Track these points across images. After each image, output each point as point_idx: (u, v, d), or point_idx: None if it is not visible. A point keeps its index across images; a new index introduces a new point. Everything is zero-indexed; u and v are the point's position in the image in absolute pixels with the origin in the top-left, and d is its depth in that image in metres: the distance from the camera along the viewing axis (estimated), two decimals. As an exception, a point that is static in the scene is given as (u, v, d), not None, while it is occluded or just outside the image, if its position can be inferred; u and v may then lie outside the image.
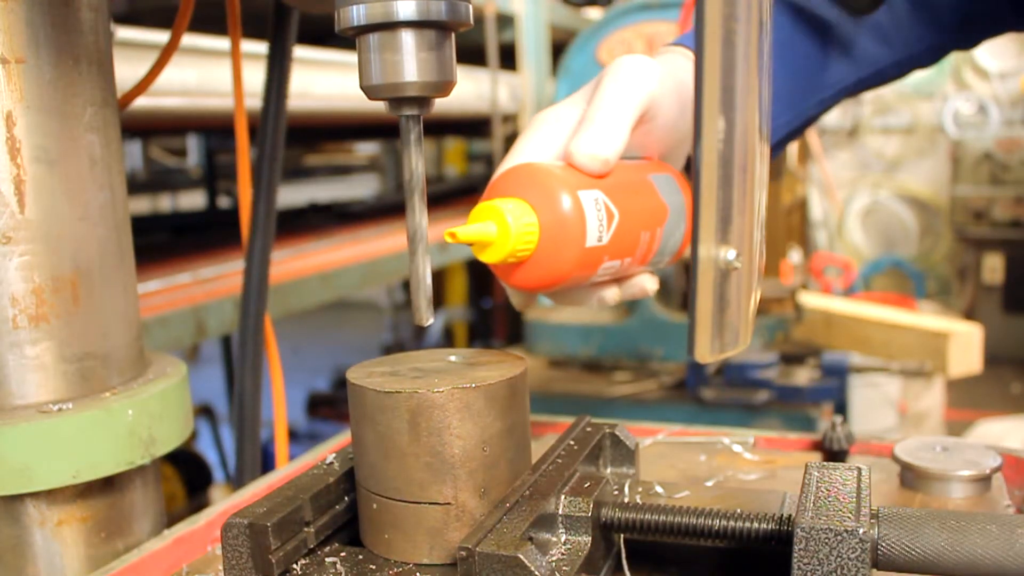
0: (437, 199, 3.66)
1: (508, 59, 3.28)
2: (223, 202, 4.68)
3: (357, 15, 0.60)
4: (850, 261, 4.96)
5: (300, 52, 1.67)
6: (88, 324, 0.78)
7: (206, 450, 3.64)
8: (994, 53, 6.14)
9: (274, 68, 1.10)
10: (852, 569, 0.52)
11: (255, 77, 1.13)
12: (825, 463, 0.61)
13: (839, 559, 0.52)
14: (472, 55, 3.08)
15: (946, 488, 0.75)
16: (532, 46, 3.32)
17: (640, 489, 0.73)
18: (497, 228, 0.65)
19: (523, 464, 0.65)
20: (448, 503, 0.60)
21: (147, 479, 0.84)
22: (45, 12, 0.74)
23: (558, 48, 3.24)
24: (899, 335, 2.77)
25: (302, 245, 2.41)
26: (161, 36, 1.65)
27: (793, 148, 4.15)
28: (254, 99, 1.08)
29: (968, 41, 0.97)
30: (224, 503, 0.83)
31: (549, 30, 3.45)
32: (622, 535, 0.64)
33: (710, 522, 0.60)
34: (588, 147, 0.69)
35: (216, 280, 1.91)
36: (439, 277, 5.16)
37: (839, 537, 0.52)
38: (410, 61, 0.61)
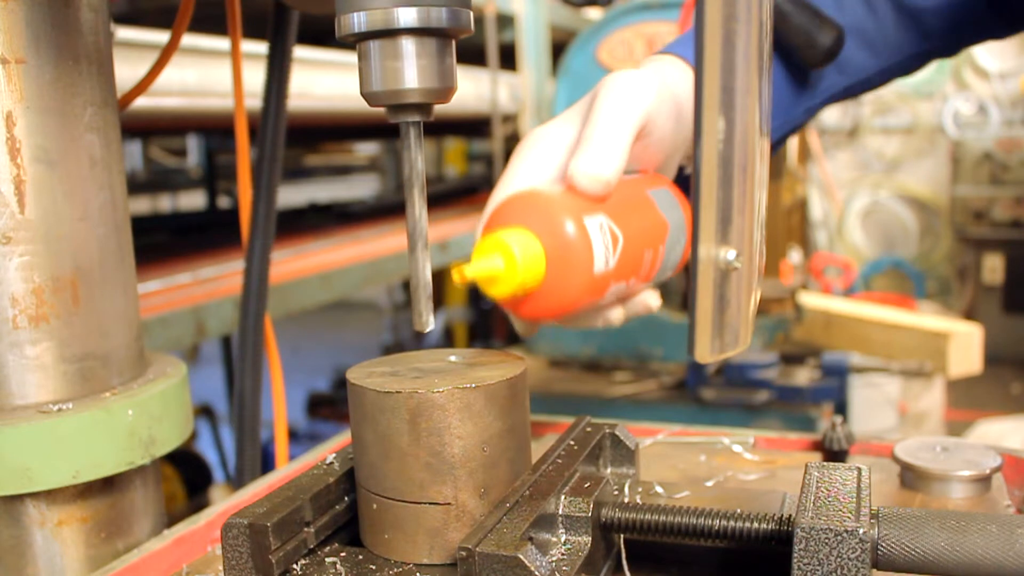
0: (437, 199, 3.66)
1: (508, 59, 3.28)
2: (223, 202, 4.68)
3: (358, 22, 0.60)
4: (850, 261, 4.96)
5: (300, 52, 1.67)
6: (88, 324, 0.78)
7: (206, 450, 3.65)
8: (994, 53, 6.14)
9: (274, 68, 1.10)
10: (852, 569, 0.52)
11: (255, 77, 1.13)
12: (825, 463, 0.61)
13: (839, 559, 0.52)
14: (472, 55, 3.08)
15: (946, 488, 0.75)
16: (532, 46, 3.31)
17: (640, 489, 0.73)
18: (504, 262, 0.64)
19: (523, 464, 0.65)
20: (448, 503, 0.60)
21: (147, 479, 0.84)
22: (45, 12, 0.74)
23: (558, 48, 3.24)
24: (899, 335, 2.77)
25: (302, 245, 2.41)
26: (161, 36, 1.65)
27: (793, 148, 4.15)
28: (254, 99, 1.08)
29: (951, 48, 0.98)
30: (224, 503, 0.83)
31: (549, 30, 3.45)
32: (622, 535, 0.64)
33: (710, 522, 0.60)
34: (589, 168, 0.68)
35: (216, 280, 1.91)
36: (439, 277, 5.15)
37: (839, 537, 0.52)
38: (410, 68, 0.61)
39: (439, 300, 5.30)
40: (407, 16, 0.59)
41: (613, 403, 2.45)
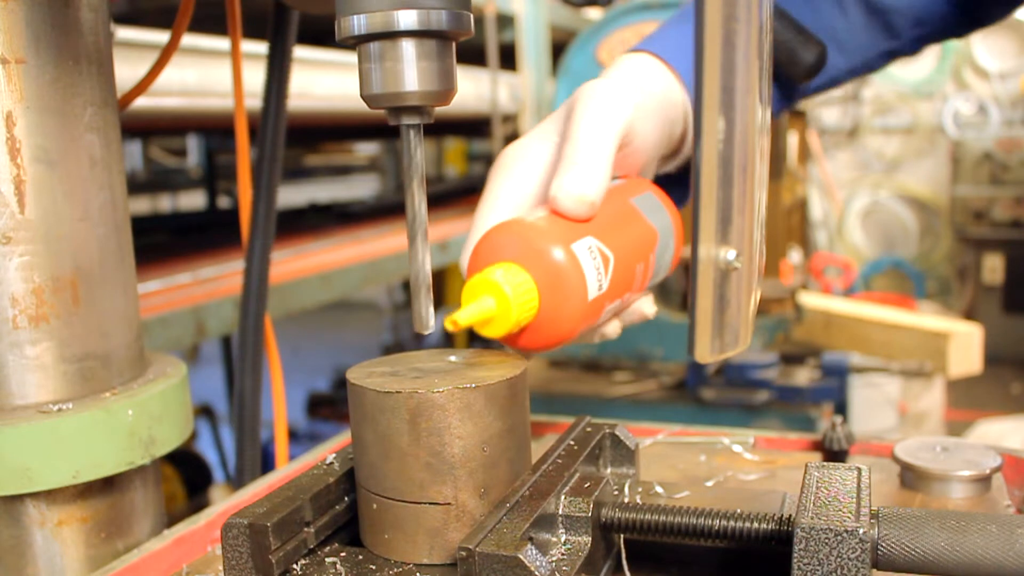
0: (437, 199, 3.66)
1: (508, 59, 3.28)
2: (223, 202, 4.69)
3: (358, 24, 0.60)
4: (850, 261, 4.97)
5: (300, 52, 1.67)
6: (88, 324, 0.78)
7: (206, 450, 3.65)
8: (994, 53, 6.14)
9: (274, 68, 1.10)
10: (852, 569, 0.52)
11: (255, 77, 1.13)
12: (825, 463, 0.61)
13: (839, 559, 0.52)
14: (472, 55, 3.08)
15: (946, 488, 0.75)
16: (532, 46, 3.32)
17: (640, 489, 0.73)
18: (496, 302, 0.63)
19: (523, 464, 0.65)
20: (448, 503, 0.60)
21: (147, 479, 0.84)
22: (45, 12, 0.74)
23: (558, 48, 3.24)
24: (899, 335, 2.77)
25: (302, 245, 2.41)
26: (161, 36, 1.65)
27: (793, 148, 4.14)
28: (254, 99, 1.08)
29: (915, 47, 0.99)
30: (224, 503, 0.83)
31: (549, 30, 3.45)
32: (622, 535, 0.64)
33: (710, 522, 0.60)
34: (573, 189, 0.66)
35: (216, 280, 1.91)
36: (439, 277, 5.15)
37: (839, 537, 0.52)
38: (411, 70, 0.61)
39: (439, 300, 5.29)
40: (407, 18, 0.59)
41: (613, 403, 2.45)
